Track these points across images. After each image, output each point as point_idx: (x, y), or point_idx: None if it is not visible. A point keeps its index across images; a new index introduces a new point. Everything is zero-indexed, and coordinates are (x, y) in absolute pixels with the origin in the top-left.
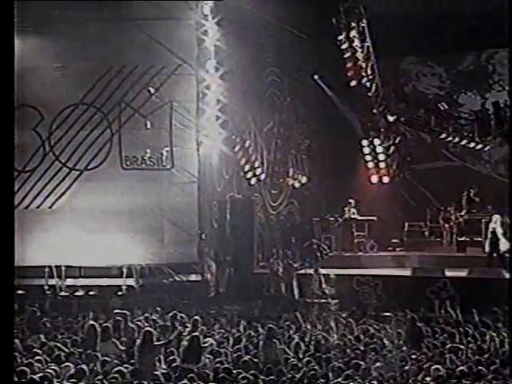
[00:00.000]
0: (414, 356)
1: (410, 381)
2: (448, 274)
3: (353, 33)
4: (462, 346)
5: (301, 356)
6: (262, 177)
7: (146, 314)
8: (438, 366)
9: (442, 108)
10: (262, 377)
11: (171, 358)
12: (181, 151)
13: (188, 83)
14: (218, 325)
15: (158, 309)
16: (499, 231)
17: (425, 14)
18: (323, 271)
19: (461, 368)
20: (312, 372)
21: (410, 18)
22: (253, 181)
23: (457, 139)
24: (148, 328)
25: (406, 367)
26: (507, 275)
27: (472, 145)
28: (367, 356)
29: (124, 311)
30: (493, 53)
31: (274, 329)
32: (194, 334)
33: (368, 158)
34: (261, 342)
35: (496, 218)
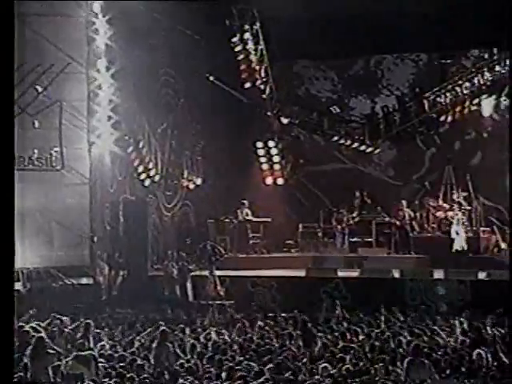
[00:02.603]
0: (306, 356)
1: (301, 380)
2: (340, 274)
3: (246, 35)
4: (353, 345)
5: (195, 358)
6: (156, 178)
7: (33, 319)
8: (326, 365)
9: (334, 111)
10: (155, 380)
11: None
12: (71, 152)
13: (78, 82)
14: (110, 328)
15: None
16: (454, 229)
17: (317, 18)
18: (218, 273)
19: (352, 366)
20: (207, 374)
21: (302, 22)
22: (147, 182)
23: (348, 142)
24: (41, 334)
25: (302, 367)
26: (396, 275)
27: (363, 147)
28: (261, 357)
29: None
30: (381, 58)
31: (167, 331)
32: (87, 338)
33: (262, 159)
34: (154, 345)
35: (458, 218)
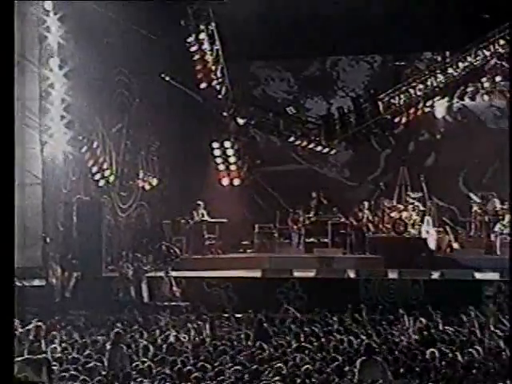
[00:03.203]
0: (261, 356)
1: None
2: (296, 274)
3: (202, 35)
4: (308, 345)
5: (150, 360)
6: (111, 178)
7: None
8: (280, 365)
9: (290, 112)
10: (108, 382)
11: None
12: (23, 152)
13: (30, 81)
14: (64, 330)
15: None
16: (424, 229)
17: (273, 18)
18: (174, 274)
19: (306, 366)
20: (161, 376)
21: (258, 23)
22: (101, 182)
23: (304, 143)
24: None
25: (254, 367)
26: (352, 275)
27: (319, 148)
28: (218, 358)
29: None
30: (336, 60)
31: (121, 333)
32: (38, 341)
33: (219, 160)
34: (108, 347)
35: (427, 219)
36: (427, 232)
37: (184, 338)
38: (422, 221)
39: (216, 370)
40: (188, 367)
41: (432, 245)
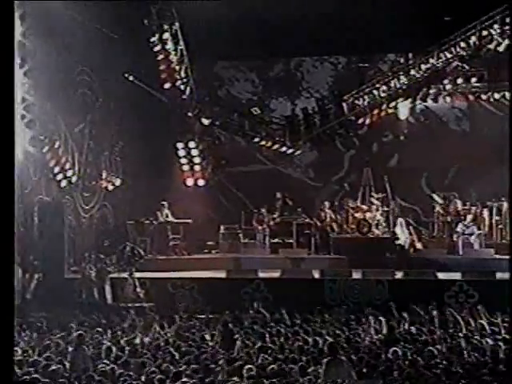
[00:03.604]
0: (226, 357)
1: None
2: (261, 275)
3: (166, 35)
4: (272, 346)
5: (114, 362)
6: (74, 179)
7: None
8: (250, 366)
9: (254, 113)
10: None
11: None
12: None
13: None
14: (23, 333)
15: None
16: (399, 230)
17: (237, 19)
18: (138, 275)
19: (271, 367)
20: (124, 378)
21: (222, 23)
22: (63, 183)
23: (269, 143)
24: None
25: (218, 368)
26: (316, 275)
27: (283, 149)
28: (182, 359)
29: None
30: (301, 61)
31: (84, 335)
32: None
33: (183, 160)
34: (70, 349)
35: (400, 221)
36: (401, 232)
37: (148, 339)
38: (386, 221)
39: (180, 371)
40: (151, 369)
41: (403, 243)
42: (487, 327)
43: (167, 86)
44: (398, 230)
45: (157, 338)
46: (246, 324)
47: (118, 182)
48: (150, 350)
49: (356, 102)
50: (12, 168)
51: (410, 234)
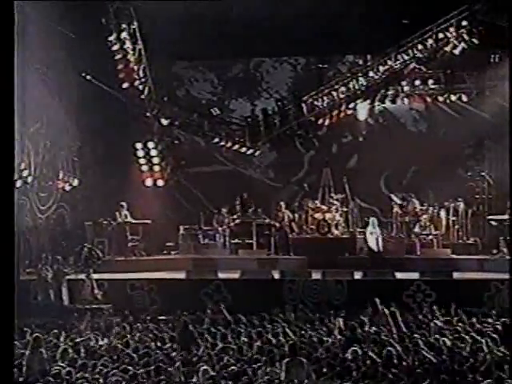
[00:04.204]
0: (186, 358)
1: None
2: (221, 275)
3: (123, 34)
4: (233, 346)
5: (70, 364)
6: (29, 179)
7: None
8: (207, 367)
9: (214, 113)
10: None
11: None
12: None
13: None
14: None
15: None
16: (369, 231)
17: (196, 19)
18: (95, 276)
19: (232, 368)
20: (82, 380)
21: (181, 23)
22: (18, 183)
23: (229, 144)
24: None
25: (180, 369)
26: (276, 276)
27: (243, 150)
28: (140, 361)
29: None
30: (260, 61)
31: (40, 337)
32: None
33: (142, 160)
34: (27, 352)
35: (372, 220)
36: (371, 233)
37: (106, 341)
38: (345, 221)
39: (139, 373)
40: (110, 371)
41: (375, 246)
42: (444, 326)
43: (125, 85)
44: (369, 229)
45: (114, 339)
46: (205, 325)
47: (75, 183)
48: (107, 351)
49: (315, 102)
50: (12, 168)
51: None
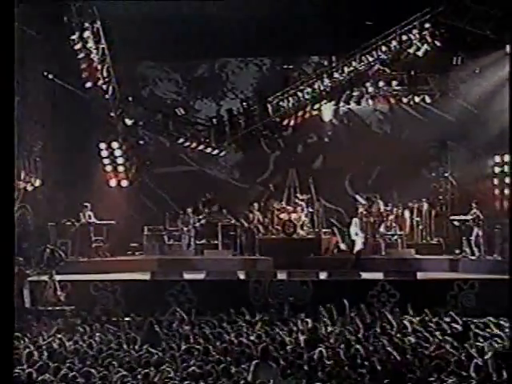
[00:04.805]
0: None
1: None
2: (186, 276)
3: (86, 33)
4: (198, 347)
5: (31, 366)
6: None
7: None
8: (168, 368)
9: (179, 113)
10: None
11: None
12: None
13: None
14: None
15: None
16: (353, 231)
17: (160, 19)
18: (58, 277)
19: (193, 368)
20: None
21: (145, 22)
22: None
23: (194, 144)
24: None
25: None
26: (242, 276)
27: (209, 150)
28: (104, 362)
29: None
30: (225, 62)
31: None
32: None
33: (106, 161)
34: None
35: (355, 220)
36: (356, 234)
37: (69, 343)
38: (311, 222)
39: (102, 374)
40: (73, 373)
41: (358, 246)
42: (408, 326)
43: (89, 85)
44: (352, 229)
45: (78, 341)
46: (170, 326)
47: (37, 183)
48: (70, 353)
49: (281, 103)
50: (12, 168)
51: (334, 234)
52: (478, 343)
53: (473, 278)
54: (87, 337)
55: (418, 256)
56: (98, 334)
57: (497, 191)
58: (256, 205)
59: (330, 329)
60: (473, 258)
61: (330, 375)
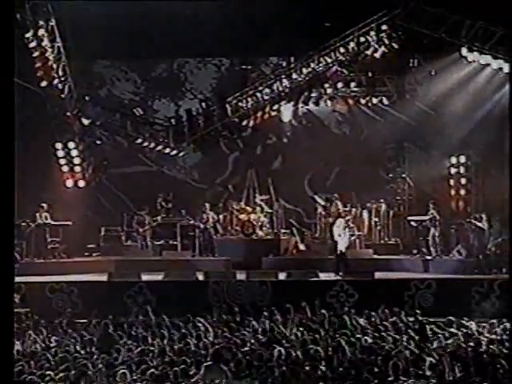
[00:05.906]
0: (107, 361)
1: None
2: (144, 277)
3: (41, 31)
4: (153, 349)
5: None
6: None
7: None
8: (125, 371)
9: (137, 113)
10: None
11: None
12: None
13: None
14: None
15: None
16: (336, 232)
17: (117, 18)
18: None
19: (152, 371)
20: None
21: (103, 21)
22: None
23: (152, 144)
24: None
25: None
26: (200, 277)
27: (167, 150)
28: (60, 365)
29: None
30: (184, 62)
31: None
32: None
33: (62, 161)
34: None
35: (340, 221)
36: (339, 235)
37: (23, 346)
38: (270, 222)
39: (58, 377)
40: (27, 376)
41: (342, 247)
42: (366, 325)
43: (44, 84)
44: (335, 230)
45: (32, 344)
46: (128, 328)
47: None
48: (24, 357)
49: (240, 104)
50: (12, 168)
51: (294, 235)
52: (434, 342)
53: (430, 278)
54: (41, 340)
55: (375, 256)
56: (53, 336)
57: (453, 192)
58: (215, 205)
59: (288, 329)
60: (429, 257)
61: (287, 375)
